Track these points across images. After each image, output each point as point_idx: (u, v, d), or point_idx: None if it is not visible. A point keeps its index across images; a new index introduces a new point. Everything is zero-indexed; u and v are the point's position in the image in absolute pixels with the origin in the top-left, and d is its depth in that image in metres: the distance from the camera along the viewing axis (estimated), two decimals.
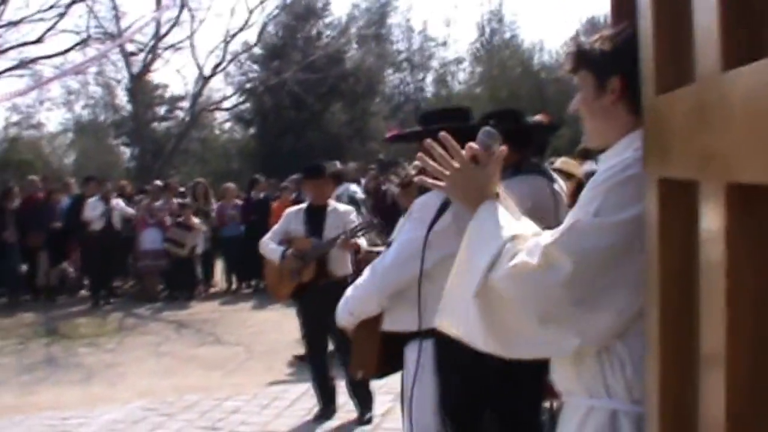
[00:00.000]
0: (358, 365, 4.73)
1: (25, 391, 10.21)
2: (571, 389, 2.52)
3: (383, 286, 4.36)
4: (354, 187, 11.43)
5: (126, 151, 40.61)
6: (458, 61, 41.80)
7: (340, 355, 8.02)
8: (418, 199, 4.35)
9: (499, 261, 2.41)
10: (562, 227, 2.37)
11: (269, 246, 8.10)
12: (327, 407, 8.22)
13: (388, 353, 4.52)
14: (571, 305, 2.27)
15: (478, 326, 2.47)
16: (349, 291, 4.59)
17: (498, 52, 39.90)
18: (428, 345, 4.21)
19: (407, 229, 4.32)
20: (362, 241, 7.88)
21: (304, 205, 8.33)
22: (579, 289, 2.26)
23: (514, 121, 5.03)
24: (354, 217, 8.11)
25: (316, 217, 8.03)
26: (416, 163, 12.35)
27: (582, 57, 2.59)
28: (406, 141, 5.31)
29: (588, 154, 12.08)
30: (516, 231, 2.49)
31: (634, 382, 2.31)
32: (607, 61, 2.51)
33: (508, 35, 40.47)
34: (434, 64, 42.87)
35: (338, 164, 12.01)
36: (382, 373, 4.79)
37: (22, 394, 10.02)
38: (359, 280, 4.55)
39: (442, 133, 2.75)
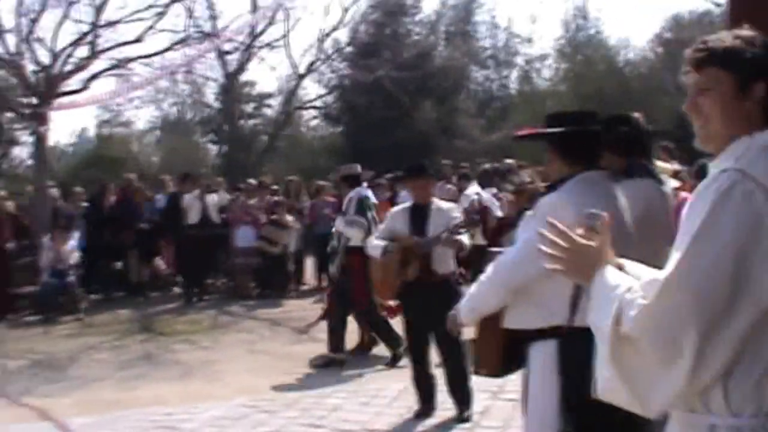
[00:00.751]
0: (481, 364, 4.75)
1: (125, 386, 10.39)
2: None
3: (506, 282, 4.39)
4: (366, 191, 11.44)
5: (213, 148, 41.08)
6: (543, 57, 41.50)
7: (442, 352, 8.04)
8: (544, 198, 4.37)
9: (623, 314, 2.42)
10: (674, 258, 2.38)
11: (373, 243, 8.19)
12: (427, 405, 8.23)
13: (511, 352, 4.53)
14: (696, 335, 2.28)
15: (620, 387, 2.50)
16: (472, 288, 4.63)
17: (583, 48, 39.55)
18: (551, 345, 4.25)
19: (532, 226, 4.32)
20: (465, 238, 7.89)
21: (407, 204, 8.35)
22: (701, 316, 2.28)
23: (628, 126, 5.02)
24: (457, 214, 8.11)
25: (419, 215, 8.05)
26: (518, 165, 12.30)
27: (721, 56, 2.49)
28: (533, 140, 5.30)
29: (672, 153, 11.95)
30: (630, 283, 2.52)
31: (734, 395, 2.33)
32: (754, 64, 2.45)
33: (592, 31, 40.08)
34: (519, 60, 42.62)
35: (359, 167, 12.06)
36: (505, 373, 4.79)
37: (123, 390, 10.21)
38: (482, 277, 4.56)
39: (550, 219, 2.79)
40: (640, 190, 4.70)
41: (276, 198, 17.67)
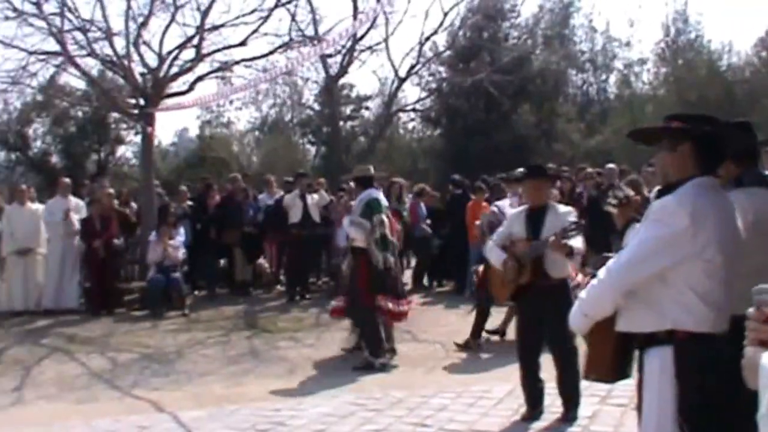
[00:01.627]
0: (592, 369, 4.70)
1: (232, 381, 10.60)
2: None
3: (618, 286, 4.33)
4: (376, 193, 11.54)
5: (311, 149, 41.47)
6: (642, 61, 41.00)
7: (554, 355, 8.07)
8: (656, 202, 4.35)
9: None
10: None
11: (493, 251, 8.25)
12: (534, 408, 8.20)
13: (623, 358, 4.53)
14: None
15: None
16: (583, 293, 4.57)
17: (683, 52, 38.96)
18: (667, 351, 4.22)
19: (644, 230, 4.34)
20: (576, 243, 7.81)
21: (524, 207, 8.39)
22: None
23: (749, 133, 4.99)
24: (572, 218, 8.00)
25: (535, 218, 8.05)
26: (631, 178, 12.22)
27: None
28: (647, 141, 5.20)
29: None
30: None
31: None
32: None
33: (693, 35, 39.44)
34: (617, 64, 42.21)
35: (372, 169, 12.19)
36: (616, 378, 4.73)
37: (231, 385, 10.41)
38: (593, 281, 4.52)
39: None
40: (750, 199, 4.65)
41: None
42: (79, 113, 35.14)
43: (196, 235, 17.58)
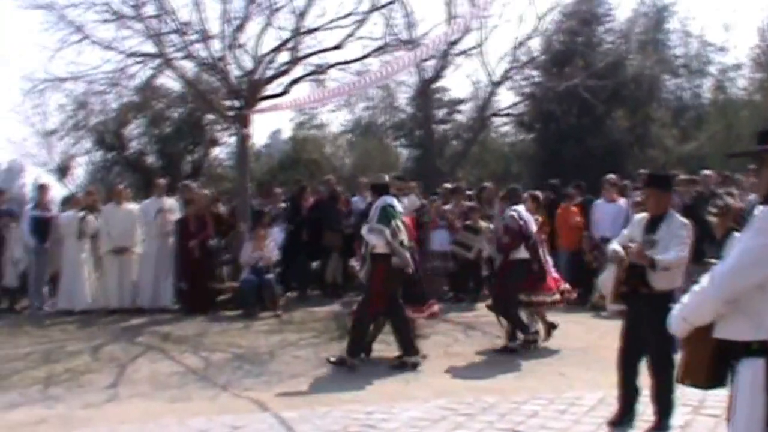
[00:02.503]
0: (687, 374, 4.62)
1: (324, 383, 10.63)
2: None
3: (721, 294, 4.26)
4: (390, 200, 11.51)
5: (404, 153, 41.42)
6: (737, 66, 40.21)
7: (652, 365, 7.97)
8: (760, 212, 4.28)
9: None
10: None
11: (612, 247, 8.26)
12: (626, 415, 8.13)
13: (719, 365, 4.43)
14: None
15: None
16: (685, 298, 4.52)
17: None
18: (760, 363, 4.14)
19: (748, 237, 4.26)
20: (664, 256, 7.68)
21: (647, 214, 8.29)
22: None
23: None
24: (683, 232, 7.92)
25: (653, 226, 8.01)
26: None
27: None
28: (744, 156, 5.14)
29: None
30: None
31: None
32: None
33: None
34: (712, 69, 41.47)
35: (386, 177, 12.20)
36: (710, 386, 4.64)
37: (322, 387, 10.42)
38: (695, 287, 4.46)
39: None
40: None
41: (471, 203, 17.75)
42: (175, 114, 35.58)
43: (289, 237, 17.70)
